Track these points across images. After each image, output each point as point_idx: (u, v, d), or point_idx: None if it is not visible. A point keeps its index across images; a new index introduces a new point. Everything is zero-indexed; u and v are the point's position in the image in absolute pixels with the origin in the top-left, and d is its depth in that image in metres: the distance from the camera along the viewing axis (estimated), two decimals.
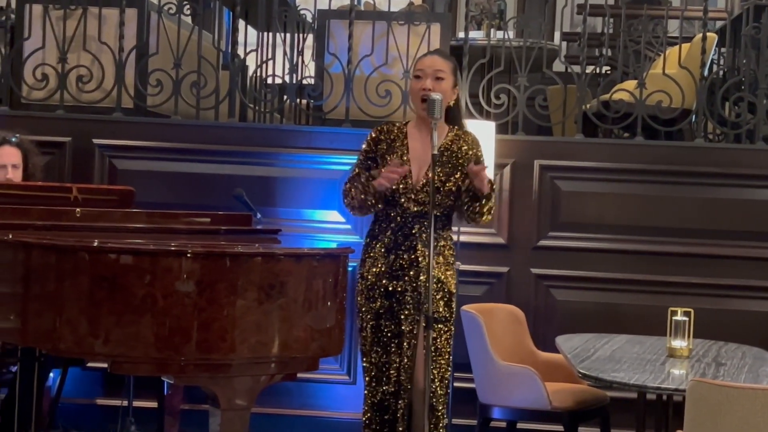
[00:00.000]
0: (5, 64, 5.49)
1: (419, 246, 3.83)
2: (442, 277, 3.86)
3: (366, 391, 3.91)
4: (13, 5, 5.57)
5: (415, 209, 3.84)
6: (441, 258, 3.87)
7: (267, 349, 3.24)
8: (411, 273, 3.83)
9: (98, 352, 3.18)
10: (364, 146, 3.99)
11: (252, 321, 3.20)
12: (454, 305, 3.91)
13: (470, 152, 3.89)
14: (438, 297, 3.84)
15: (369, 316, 3.89)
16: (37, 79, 5.42)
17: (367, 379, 3.91)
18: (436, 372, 3.83)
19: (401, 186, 3.84)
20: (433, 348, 3.80)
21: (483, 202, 3.81)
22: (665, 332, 4.10)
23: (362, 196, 3.87)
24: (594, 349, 4.12)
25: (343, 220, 5.19)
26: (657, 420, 4.24)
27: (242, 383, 3.25)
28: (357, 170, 3.96)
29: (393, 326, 3.86)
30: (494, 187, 3.85)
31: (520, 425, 4.69)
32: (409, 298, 3.83)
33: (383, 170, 3.80)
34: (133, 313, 3.13)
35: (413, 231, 3.84)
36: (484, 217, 3.86)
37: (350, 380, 5.19)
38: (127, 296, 3.14)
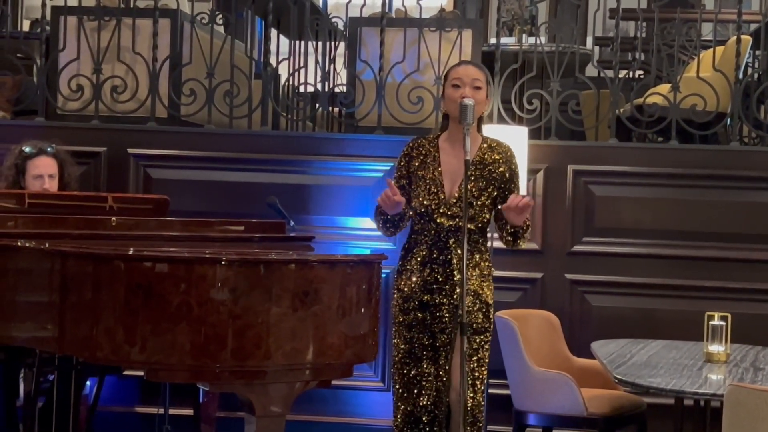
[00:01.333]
0: (41, 75, 5.56)
1: (454, 260, 3.81)
2: (479, 290, 3.84)
3: (399, 403, 3.89)
4: (48, 17, 5.63)
5: (449, 224, 3.82)
6: (477, 270, 3.85)
7: (302, 355, 3.25)
8: (447, 287, 3.82)
9: (135, 360, 3.20)
10: (397, 164, 3.98)
11: (287, 328, 3.21)
12: (491, 316, 3.90)
13: (502, 167, 3.86)
14: (476, 309, 3.82)
15: (402, 329, 3.88)
16: (72, 90, 5.47)
17: (400, 390, 3.88)
18: (479, 383, 3.82)
19: (434, 201, 3.84)
20: (475, 359, 3.80)
21: (520, 240, 3.87)
22: (702, 337, 4.06)
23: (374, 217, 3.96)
24: (630, 355, 4.10)
25: (375, 227, 5.18)
26: (694, 426, 4.20)
27: (277, 390, 3.27)
28: (395, 181, 3.96)
29: (425, 339, 3.84)
30: (528, 223, 3.86)
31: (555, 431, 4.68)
32: (445, 312, 3.81)
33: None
34: (168, 320, 3.16)
35: (448, 245, 3.83)
36: (520, 247, 3.94)
37: (384, 387, 5.19)
38: (162, 304, 3.16)
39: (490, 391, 4.84)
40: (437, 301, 3.82)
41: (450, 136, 3.90)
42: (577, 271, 5.16)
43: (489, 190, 3.84)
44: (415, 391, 3.84)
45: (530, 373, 4.36)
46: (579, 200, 5.17)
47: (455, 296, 3.78)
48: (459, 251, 3.76)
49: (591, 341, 4.49)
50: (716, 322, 4.00)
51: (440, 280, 3.82)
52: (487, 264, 3.90)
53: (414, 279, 3.84)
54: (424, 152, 3.91)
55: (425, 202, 3.83)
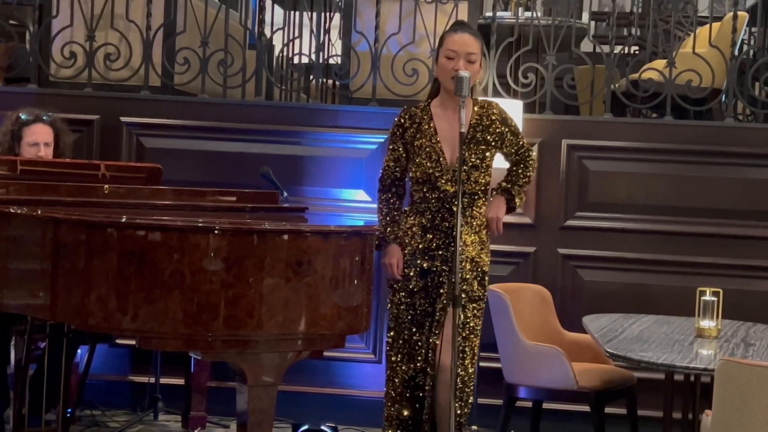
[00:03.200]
0: (33, 42, 5.51)
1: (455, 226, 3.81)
2: (477, 257, 3.85)
3: (396, 368, 3.89)
4: None
5: (453, 189, 3.82)
6: (477, 237, 3.86)
7: (294, 325, 3.25)
8: (447, 254, 3.82)
9: (127, 328, 3.21)
10: (391, 135, 3.97)
11: (279, 298, 3.21)
12: (486, 283, 3.92)
13: (500, 127, 3.88)
14: (472, 276, 3.84)
15: (403, 294, 3.88)
16: (65, 57, 5.43)
17: (398, 356, 3.88)
18: (468, 350, 3.83)
19: (437, 169, 3.84)
20: (466, 326, 3.81)
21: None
22: (693, 313, 4.07)
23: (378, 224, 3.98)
24: (621, 329, 4.10)
25: (369, 199, 5.18)
26: (684, 401, 4.22)
27: (269, 359, 3.27)
28: (389, 163, 3.97)
29: (427, 305, 3.85)
30: (517, 202, 4.00)
31: (546, 405, 4.69)
32: (444, 278, 3.82)
33: (391, 259, 3.88)
34: (161, 289, 3.16)
35: (452, 211, 3.82)
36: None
37: (376, 359, 5.20)
38: (155, 272, 3.16)
39: (481, 364, 4.84)
40: (437, 267, 3.83)
41: (442, 102, 3.91)
42: (569, 245, 5.16)
43: (490, 151, 3.86)
44: (418, 357, 3.85)
45: (521, 347, 4.36)
46: (573, 175, 5.17)
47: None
48: (461, 217, 3.76)
49: (582, 316, 4.50)
50: (708, 297, 4.00)
51: (441, 246, 3.82)
52: (486, 231, 3.92)
53: (414, 244, 3.85)
54: (417, 121, 3.91)
55: (428, 171, 3.83)
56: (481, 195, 3.89)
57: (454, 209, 3.80)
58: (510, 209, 4.00)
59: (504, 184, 3.99)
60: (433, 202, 3.85)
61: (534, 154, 4.06)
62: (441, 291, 3.83)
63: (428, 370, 3.84)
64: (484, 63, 3.96)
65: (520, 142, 3.99)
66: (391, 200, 3.98)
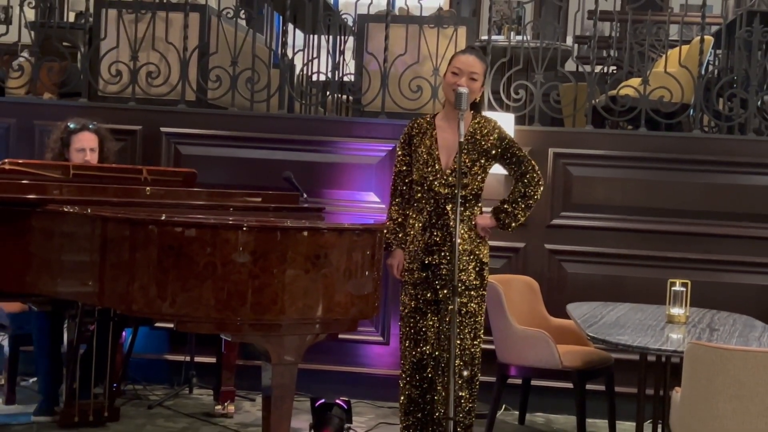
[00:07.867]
0: (84, 61, 5.53)
1: (451, 223, 3.81)
2: (474, 249, 3.84)
3: (406, 353, 3.87)
4: (91, 10, 5.59)
5: (446, 191, 3.82)
6: (473, 233, 3.86)
7: (312, 311, 3.25)
8: (445, 248, 3.81)
9: (166, 313, 3.21)
10: (399, 143, 3.96)
11: (300, 287, 3.21)
12: (486, 273, 3.88)
13: (492, 139, 3.84)
14: (470, 267, 3.82)
15: (408, 286, 3.88)
16: (112, 74, 5.44)
17: (406, 342, 3.87)
18: (468, 333, 3.81)
19: (432, 173, 3.83)
20: (464, 311, 3.79)
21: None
22: (665, 301, 4.07)
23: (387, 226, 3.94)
24: (601, 316, 4.10)
25: (378, 200, 5.18)
26: (656, 379, 4.22)
27: (291, 341, 3.27)
28: (398, 167, 3.95)
29: (429, 294, 3.84)
30: (510, 223, 3.89)
31: (534, 382, 4.70)
32: (444, 270, 3.81)
33: (393, 261, 3.93)
34: (196, 278, 3.16)
35: (446, 210, 3.82)
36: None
37: (384, 341, 5.20)
38: (190, 264, 3.17)
39: None
40: (437, 261, 3.82)
41: (446, 115, 3.90)
42: (555, 241, 5.16)
43: (482, 161, 3.84)
44: (422, 342, 3.84)
45: (512, 331, 4.36)
46: (558, 179, 5.16)
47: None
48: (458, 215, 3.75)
49: (566, 304, 4.50)
50: (677, 288, 4.00)
51: (439, 242, 3.82)
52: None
53: (416, 242, 3.84)
54: (422, 130, 3.91)
55: (423, 174, 3.83)
56: (472, 198, 3.86)
57: (448, 209, 3.80)
58: (504, 227, 3.90)
59: (500, 204, 3.90)
60: (431, 202, 3.85)
61: (537, 170, 3.89)
62: (443, 282, 3.81)
63: (441, 352, 3.81)
64: (485, 81, 3.93)
65: (520, 159, 3.86)
66: (401, 205, 3.96)
